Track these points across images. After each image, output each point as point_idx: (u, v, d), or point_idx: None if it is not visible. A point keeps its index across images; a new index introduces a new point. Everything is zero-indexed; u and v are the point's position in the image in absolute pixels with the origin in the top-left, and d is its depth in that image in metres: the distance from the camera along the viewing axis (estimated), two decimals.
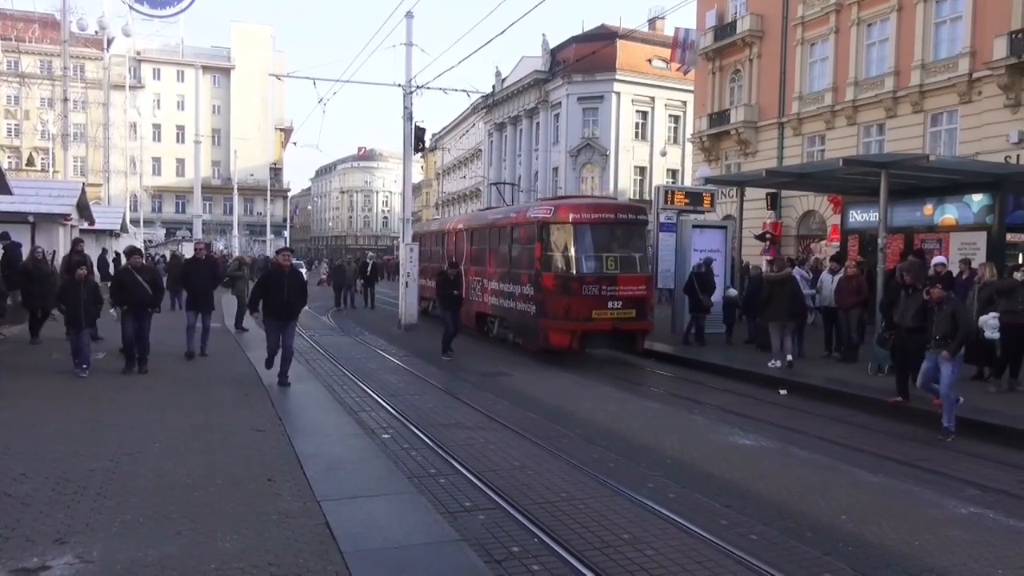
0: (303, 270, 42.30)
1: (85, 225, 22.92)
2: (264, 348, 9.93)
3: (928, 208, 15.26)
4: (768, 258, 17.55)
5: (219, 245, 52.22)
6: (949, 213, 14.88)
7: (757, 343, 13.83)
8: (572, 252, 13.25)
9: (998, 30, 19.65)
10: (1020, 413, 8.53)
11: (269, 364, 9.73)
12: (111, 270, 20.68)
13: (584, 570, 4.34)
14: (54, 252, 18.14)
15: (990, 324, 9.72)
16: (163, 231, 59.40)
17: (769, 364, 12.06)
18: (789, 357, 11.92)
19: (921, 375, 8.44)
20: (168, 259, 26.95)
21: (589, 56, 36.43)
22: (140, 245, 34.07)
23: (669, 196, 17.30)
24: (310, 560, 4.16)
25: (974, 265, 12.26)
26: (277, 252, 10.04)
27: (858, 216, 17.32)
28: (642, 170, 46.51)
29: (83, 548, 4.24)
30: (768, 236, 25.88)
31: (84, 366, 9.81)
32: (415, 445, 7.14)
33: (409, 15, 18.62)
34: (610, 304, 12.89)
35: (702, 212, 18.00)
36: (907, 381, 9.15)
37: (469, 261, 17.24)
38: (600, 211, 13.77)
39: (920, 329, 8.68)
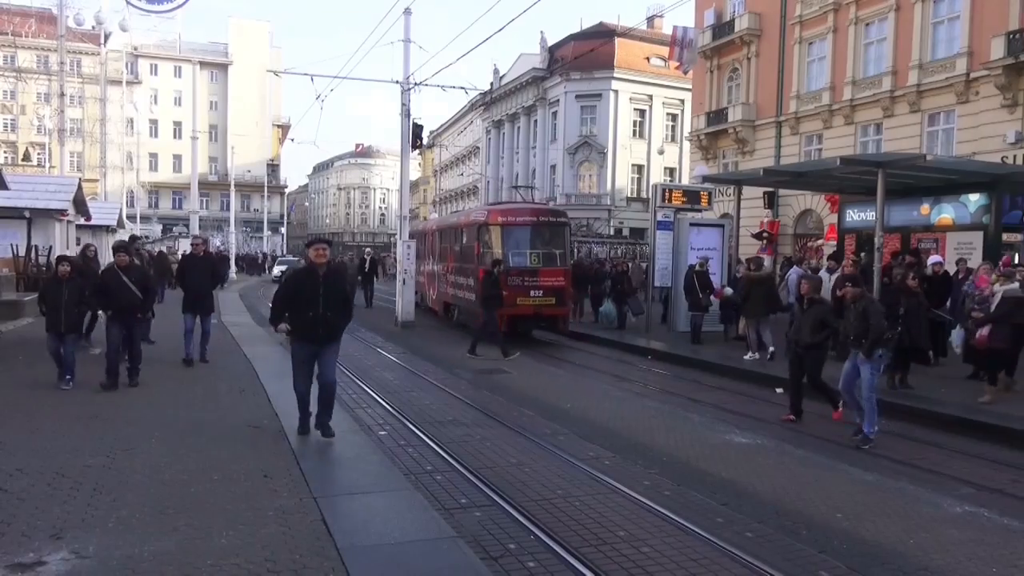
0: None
1: (81, 221, 22.88)
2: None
3: (925, 208, 15.29)
4: (747, 257, 17.64)
5: (216, 242, 52.10)
6: (946, 213, 14.91)
7: (749, 341, 13.89)
8: (500, 249, 15.39)
9: (996, 30, 19.68)
10: (1015, 412, 8.55)
11: (303, 422, 6.82)
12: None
13: (580, 567, 4.35)
14: (50, 248, 18.11)
15: None
16: (160, 227, 59.32)
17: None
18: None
19: (843, 377, 7.90)
20: (154, 255, 26.40)
21: (587, 54, 36.39)
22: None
23: (667, 194, 17.29)
24: (306, 556, 4.16)
25: (970, 264, 12.30)
26: (307, 245, 7.01)
27: (855, 215, 17.34)
28: (640, 168, 46.53)
29: (79, 544, 4.24)
30: (765, 235, 25.88)
31: (68, 377, 8.63)
32: (412, 442, 7.14)
33: (407, 12, 18.59)
34: (532, 293, 15.05)
35: (699, 210, 18.01)
36: (801, 399, 8.73)
37: (439, 258, 19.69)
38: (524, 215, 16.23)
39: (816, 346, 8.38)
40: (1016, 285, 9.21)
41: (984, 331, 9.09)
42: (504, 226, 15.63)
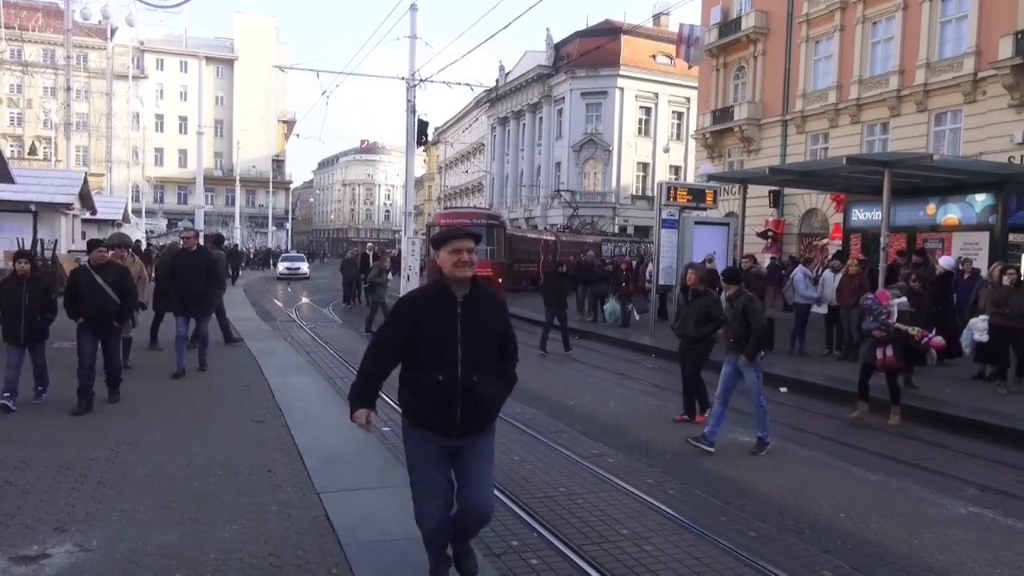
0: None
1: (87, 215, 22.94)
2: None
3: (931, 207, 15.24)
4: (744, 255, 17.64)
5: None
6: (952, 213, 14.85)
7: None
8: None
9: (1004, 30, 19.59)
10: (1019, 413, 8.52)
11: (438, 558, 3.71)
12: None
13: (583, 564, 4.34)
14: (55, 242, 18.15)
15: (978, 327, 9.66)
16: (165, 222, 59.48)
17: None
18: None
19: (721, 380, 7.18)
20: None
21: (593, 51, 36.36)
22: (142, 236, 33.98)
23: (672, 193, 17.25)
24: (309, 551, 4.16)
25: (976, 264, 12.26)
26: (437, 242, 3.60)
27: (861, 215, 17.30)
28: (645, 166, 46.49)
29: (83, 536, 4.26)
30: (770, 234, 25.84)
31: (7, 393, 7.26)
32: None
33: (413, 8, 18.62)
34: None
35: (704, 209, 17.98)
36: (695, 397, 8.23)
37: (425, 254, 22.97)
38: (461, 217, 20.69)
39: (701, 339, 7.94)
40: (905, 299, 9.10)
41: (889, 351, 8.46)
42: (443, 227, 18.41)
